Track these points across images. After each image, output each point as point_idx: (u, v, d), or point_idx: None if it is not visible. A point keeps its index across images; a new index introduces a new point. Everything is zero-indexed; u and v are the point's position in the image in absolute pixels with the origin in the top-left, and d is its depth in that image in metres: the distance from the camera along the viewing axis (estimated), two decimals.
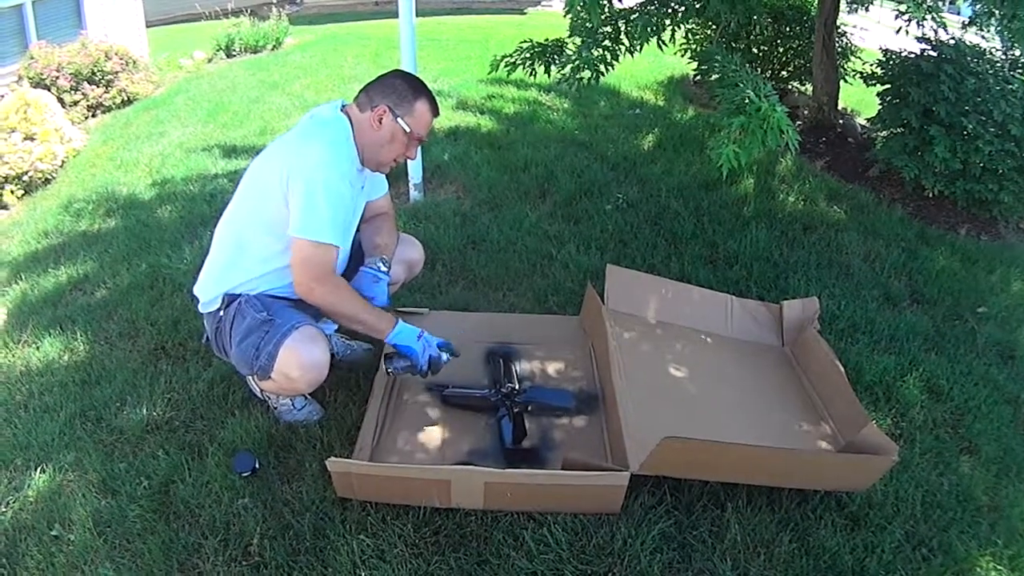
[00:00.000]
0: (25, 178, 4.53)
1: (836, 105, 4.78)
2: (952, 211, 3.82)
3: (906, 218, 3.70)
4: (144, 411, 2.11)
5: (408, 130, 1.89)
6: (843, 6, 4.58)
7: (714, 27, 5.19)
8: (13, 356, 2.52)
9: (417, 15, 3.33)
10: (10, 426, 2.13)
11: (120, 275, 3.02)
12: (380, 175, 2.08)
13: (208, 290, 1.94)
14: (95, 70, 6.02)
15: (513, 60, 3.57)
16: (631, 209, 3.51)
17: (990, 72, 3.85)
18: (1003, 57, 4.04)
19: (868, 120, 4.73)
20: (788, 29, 5.19)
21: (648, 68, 6.11)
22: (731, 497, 1.82)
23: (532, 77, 3.60)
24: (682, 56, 5.04)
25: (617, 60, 3.33)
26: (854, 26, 5.21)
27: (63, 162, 4.85)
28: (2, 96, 5.61)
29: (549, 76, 3.58)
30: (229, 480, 1.84)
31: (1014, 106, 3.59)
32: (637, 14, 3.27)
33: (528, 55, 3.55)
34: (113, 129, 5.58)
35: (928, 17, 3.10)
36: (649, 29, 3.18)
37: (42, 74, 5.78)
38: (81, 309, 2.77)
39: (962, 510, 1.90)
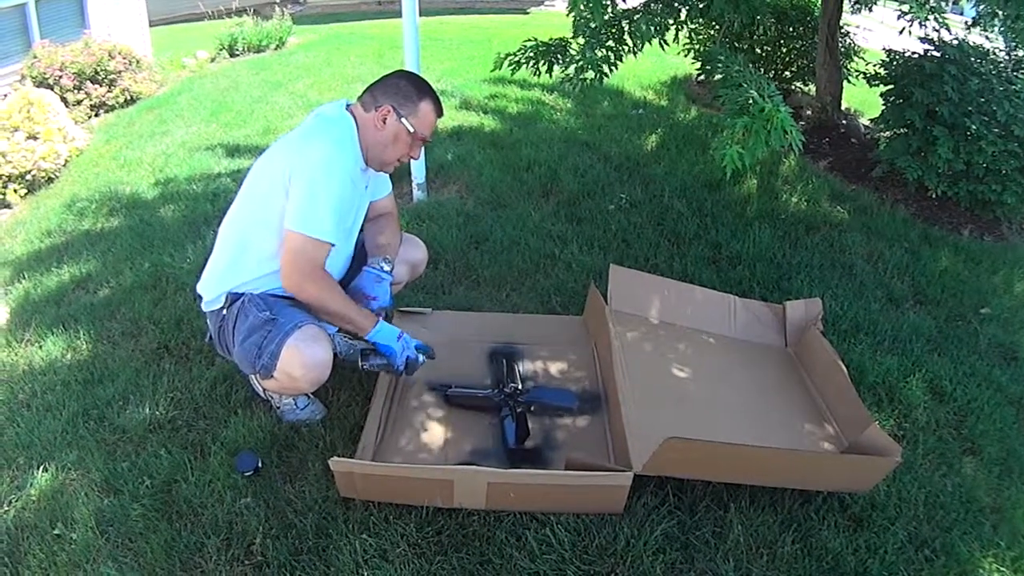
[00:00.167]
0: (28, 177, 4.53)
1: (839, 105, 4.77)
2: (955, 212, 3.81)
3: (909, 219, 3.69)
4: (147, 410, 2.11)
5: (412, 130, 1.89)
6: (846, 6, 4.57)
7: (717, 27, 5.19)
8: (16, 355, 2.52)
9: (420, 15, 3.33)
10: (13, 425, 2.13)
11: (123, 274, 3.02)
12: (384, 175, 2.08)
13: (211, 289, 1.94)
14: (98, 69, 6.02)
15: (517, 59, 3.57)
16: (634, 209, 3.51)
17: (993, 73, 3.84)
18: (1007, 57, 4.03)
19: (871, 120, 4.73)
20: (791, 29, 5.19)
21: (651, 68, 6.10)
22: (734, 498, 1.82)
23: (536, 77, 3.60)
24: (685, 56, 5.04)
25: (621, 60, 3.33)
26: (857, 26, 5.21)
27: (66, 161, 4.85)
28: (5, 95, 5.62)
29: (552, 76, 3.58)
30: (232, 479, 1.84)
31: (1018, 107, 3.58)
32: (640, 14, 3.26)
33: (532, 54, 3.55)
34: (116, 128, 5.59)
35: (931, 17, 3.09)
36: (653, 29, 3.17)
37: (45, 73, 5.78)
38: (84, 308, 2.77)
39: (965, 511, 1.90)
